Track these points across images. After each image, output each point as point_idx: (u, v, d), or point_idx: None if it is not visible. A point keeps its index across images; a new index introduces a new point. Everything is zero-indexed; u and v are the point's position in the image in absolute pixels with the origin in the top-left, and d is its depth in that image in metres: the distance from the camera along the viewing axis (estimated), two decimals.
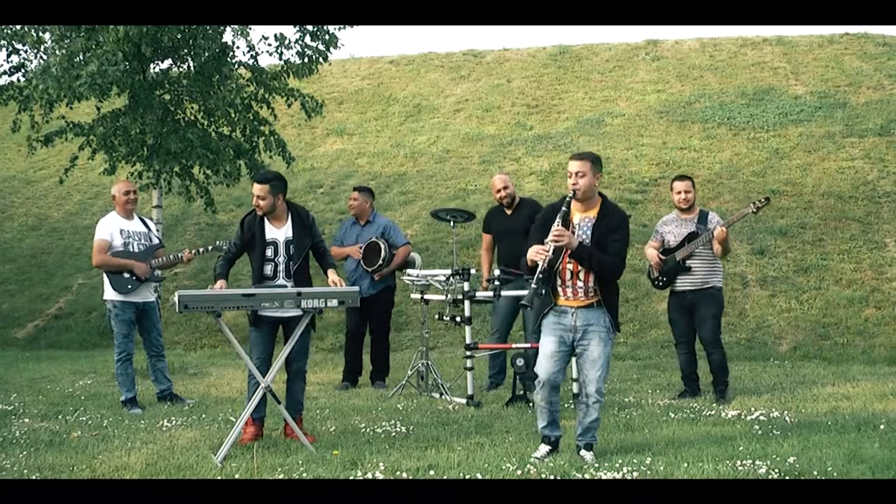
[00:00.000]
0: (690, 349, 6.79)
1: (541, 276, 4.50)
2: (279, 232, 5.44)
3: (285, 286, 5.32)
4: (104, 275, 6.77)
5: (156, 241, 7.00)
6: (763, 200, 6.68)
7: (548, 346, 4.68)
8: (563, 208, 4.59)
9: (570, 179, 4.65)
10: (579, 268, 4.59)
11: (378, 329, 7.83)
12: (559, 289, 4.67)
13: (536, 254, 4.53)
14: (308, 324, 5.44)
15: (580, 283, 4.62)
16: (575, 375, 6.43)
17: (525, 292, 6.94)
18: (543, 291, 4.55)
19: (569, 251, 4.55)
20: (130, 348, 6.83)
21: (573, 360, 5.33)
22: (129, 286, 6.68)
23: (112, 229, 6.76)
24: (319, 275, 5.86)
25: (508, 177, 7.60)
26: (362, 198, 7.83)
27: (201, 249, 7.00)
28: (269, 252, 5.40)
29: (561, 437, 4.84)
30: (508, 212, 7.45)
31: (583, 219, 4.68)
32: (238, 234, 5.49)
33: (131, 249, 6.76)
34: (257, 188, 5.38)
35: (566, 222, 4.60)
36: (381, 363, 7.83)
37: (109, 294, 6.74)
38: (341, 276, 7.24)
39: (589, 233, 4.63)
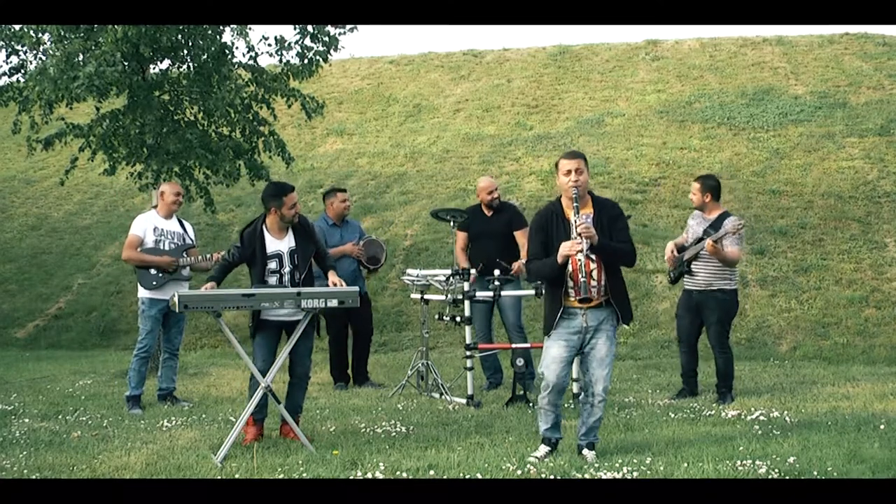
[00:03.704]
0: (691, 348, 6.78)
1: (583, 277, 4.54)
2: (282, 243, 5.41)
3: None
4: (135, 271, 6.93)
5: (189, 241, 7.06)
6: (739, 224, 6.41)
7: (557, 350, 4.66)
8: (575, 204, 4.58)
9: (567, 178, 4.62)
10: (591, 267, 4.59)
11: (364, 329, 7.84)
12: (570, 291, 4.63)
13: (572, 247, 4.50)
14: (313, 329, 5.46)
15: (594, 283, 4.61)
16: (575, 375, 6.45)
17: (526, 292, 7.03)
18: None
19: (580, 248, 4.54)
20: (151, 347, 6.90)
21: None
22: (155, 282, 6.78)
23: (146, 226, 6.89)
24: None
25: (493, 181, 7.63)
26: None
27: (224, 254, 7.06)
28: (274, 265, 5.37)
29: (561, 439, 4.84)
30: (488, 213, 7.46)
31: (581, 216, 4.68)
32: (238, 248, 5.42)
33: (162, 247, 6.87)
34: (295, 196, 5.40)
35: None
36: (363, 365, 7.84)
37: (141, 290, 6.87)
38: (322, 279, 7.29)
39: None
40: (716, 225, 6.54)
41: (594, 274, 4.61)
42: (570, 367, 4.72)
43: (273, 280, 5.36)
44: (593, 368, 4.67)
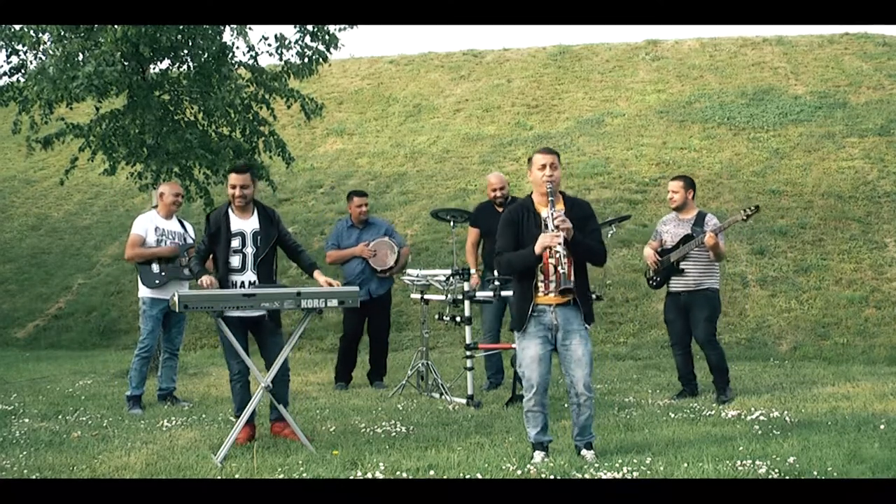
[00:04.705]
0: (686, 350, 6.79)
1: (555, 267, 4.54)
2: (246, 223, 5.52)
3: (253, 280, 5.40)
4: (137, 269, 6.94)
5: (190, 240, 7.10)
6: (753, 209, 6.63)
7: (534, 349, 4.62)
8: (550, 198, 4.59)
9: (542, 172, 4.63)
10: (561, 260, 4.56)
11: (380, 329, 7.83)
12: (540, 285, 4.62)
13: (552, 239, 4.48)
14: (279, 325, 5.52)
15: (563, 276, 4.58)
16: None
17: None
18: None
19: (552, 243, 4.53)
20: (153, 347, 6.92)
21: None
22: (157, 280, 6.80)
23: (148, 226, 6.94)
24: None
25: (504, 177, 7.65)
26: (367, 202, 7.88)
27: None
28: (237, 243, 5.47)
29: (551, 441, 4.83)
30: (500, 210, 7.46)
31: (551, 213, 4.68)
32: (205, 230, 5.56)
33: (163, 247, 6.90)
34: (240, 178, 5.46)
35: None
36: (380, 363, 7.84)
37: (142, 290, 6.88)
38: (341, 277, 7.29)
39: None
40: (699, 223, 6.61)
41: (562, 268, 4.60)
42: (550, 365, 4.69)
43: (235, 260, 5.44)
44: (572, 370, 4.64)
